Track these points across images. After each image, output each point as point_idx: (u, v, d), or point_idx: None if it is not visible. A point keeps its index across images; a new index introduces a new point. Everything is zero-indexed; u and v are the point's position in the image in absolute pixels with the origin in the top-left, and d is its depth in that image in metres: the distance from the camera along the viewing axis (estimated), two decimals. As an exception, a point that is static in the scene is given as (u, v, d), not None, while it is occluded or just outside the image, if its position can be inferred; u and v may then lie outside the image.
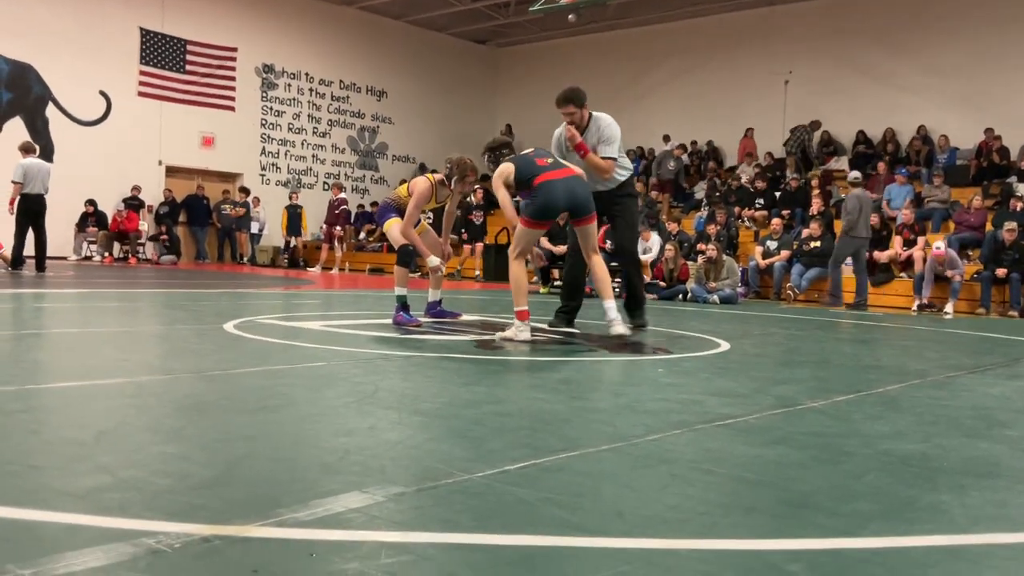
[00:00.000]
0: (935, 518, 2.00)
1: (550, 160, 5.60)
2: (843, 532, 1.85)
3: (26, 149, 12.21)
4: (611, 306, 5.57)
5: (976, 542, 1.84)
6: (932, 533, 1.88)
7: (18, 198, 11.86)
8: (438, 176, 6.33)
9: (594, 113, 6.26)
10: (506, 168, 5.58)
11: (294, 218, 19.10)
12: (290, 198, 19.49)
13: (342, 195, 18.26)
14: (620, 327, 5.51)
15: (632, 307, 6.60)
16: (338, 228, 17.91)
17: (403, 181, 7.30)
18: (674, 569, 1.59)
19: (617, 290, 7.52)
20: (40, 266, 11.92)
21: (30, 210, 11.89)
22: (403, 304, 6.11)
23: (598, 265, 5.69)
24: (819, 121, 18.14)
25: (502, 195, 5.59)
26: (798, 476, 2.32)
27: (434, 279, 6.60)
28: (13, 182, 11.81)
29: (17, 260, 11.96)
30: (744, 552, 1.72)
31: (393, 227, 6.28)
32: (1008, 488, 2.29)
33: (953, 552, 1.77)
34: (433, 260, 6.22)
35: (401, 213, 6.28)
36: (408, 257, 6.26)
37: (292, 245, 19.64)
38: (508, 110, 24.16)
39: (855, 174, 12.70)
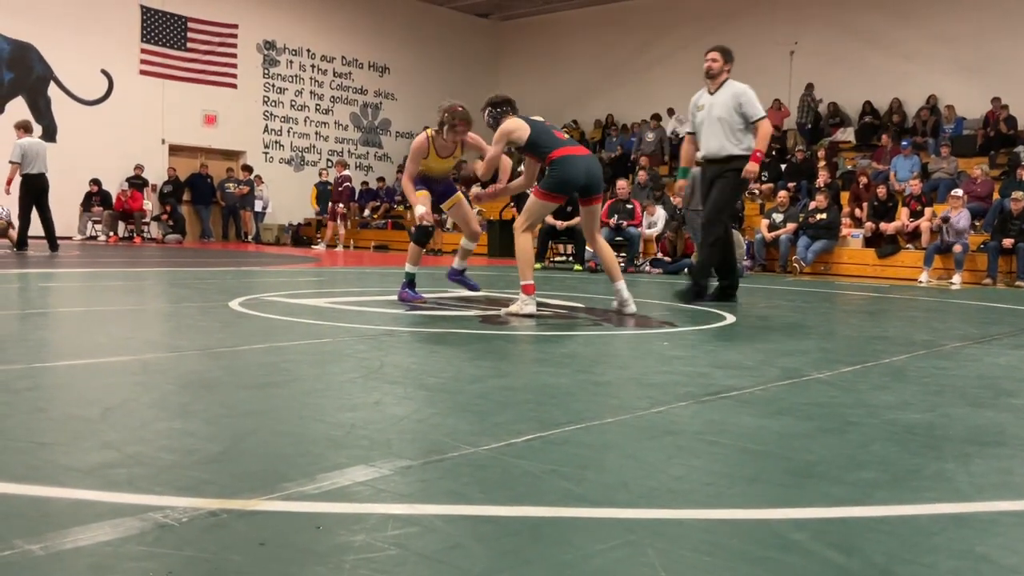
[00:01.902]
0: (940, 486, 2.00)
1: (566, 135, 5.57)
2: (849, 501, 1.86)
3: (24, 128, 11.98)
4: (622, 287, 5.57)
5: (981, 510, 1.84)
6: (937, 501, 1.88)
7: (19, 179, 11.75)
8: (434, 129, 6.07)
9: (731, 80, 6.58)
10: (518, 125, 5.41)
11: (324, 195, 19.09)
12: (320, 175, 19.57)
13: (345, 172, 18.18)
14: (632, 306, 5.54)
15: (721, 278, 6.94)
16: (341, 205, 17.82)
17: None
18: (679, 539, 1.60)
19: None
20: (52, 246, 11.85)
21: (32, 190, 11.78)
22: (410, 281, 6.04)
23: (604, 247, 5.69)
24: (812, 83, 18.05)
25: (497, 149, 5.45)
26: (803, 446, 2.32)
27: (462, 251, 6.25)
28: (11, 163, 11.68)
29: (22, 242, 11.93)
30: (749, 521, 1.72)
31: (420, 201, 5.99)
32: (1013, 456, 2.29)
33: (958, 520, 1.78)
34: (419, 208, 5.88)
35: (426, 183, 6.05)
36: (424, 236, 6.07)
37: (298, 223, 19.67)
38: (511, 84, 24.00)
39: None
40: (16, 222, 12.36)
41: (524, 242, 5.44)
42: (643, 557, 1.50)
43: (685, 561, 1.49)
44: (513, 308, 5.36)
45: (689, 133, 7.00)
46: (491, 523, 1.66)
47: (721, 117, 6.45)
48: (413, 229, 6.13)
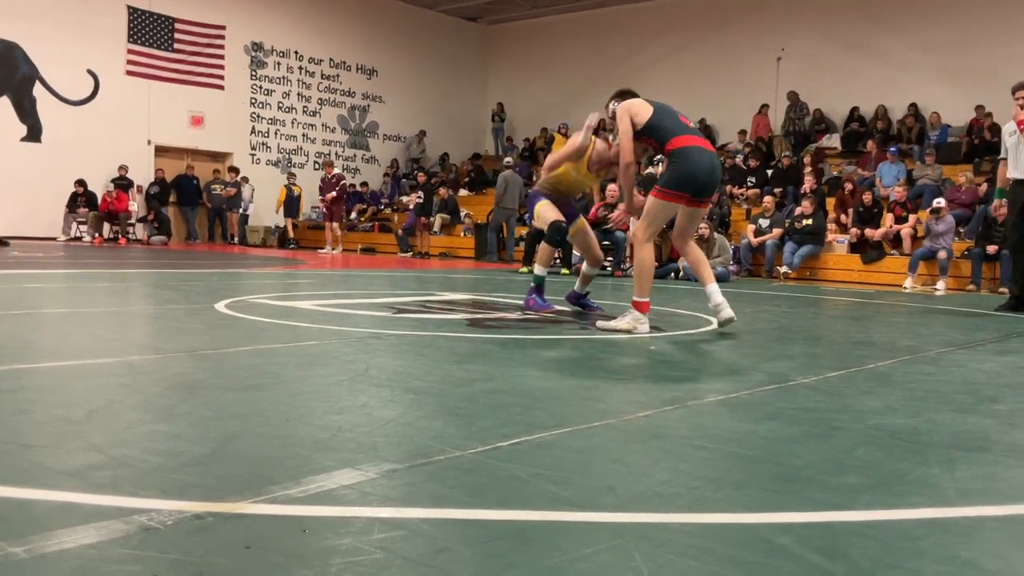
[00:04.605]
0: (925, 491, 2.01)
1: (692, 123, 5.03)
2: (834, 505, 1.86)
3: None
4: (714, 290, 5.03)
5: (965, 515, 1.85)
6: (922, 506, 1.89)
7: None
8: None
9: None
10: (640, 105, 4.91)
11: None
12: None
13: (336, 171, 17.86)
14: (728, 311, 4.99)
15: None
16: (343, 205, 17.28)
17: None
18: (666, 543, 1.60)
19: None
20: (2, 242, 11.74)
21: None
22: (539, 286, 5.54)
23: (694, 250, 5.19)
24: (795, 92, 18.16)
25: (624, 126, 4.86)
26: (789, 451, 2.33)
27: (583, 277, 5.86)
28: None
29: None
30: (735, 526, 1.73)
31: (544, 207, 5.55)
32: (997, 462, 2.31)
33: (942, 524, 1.79)
34: (546, 213, 5.43)
35: (550, 196, 5.57)
36: (559, 235, 5.47)
37: (283, 226, 19.53)
38: (500, 88, 24.06)
39: (507, 159, 17.02)
40: None
41: (646, 254, 4.92)
42: (630, 561, 1.50)
43: (672, 565, 1.49)
44: (620, 324, 4.82)
45: (1002, 158, 7.79)
46: (477, 527, 1.66)
47: None
48: (547, 227, 5.51)
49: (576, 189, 5.75)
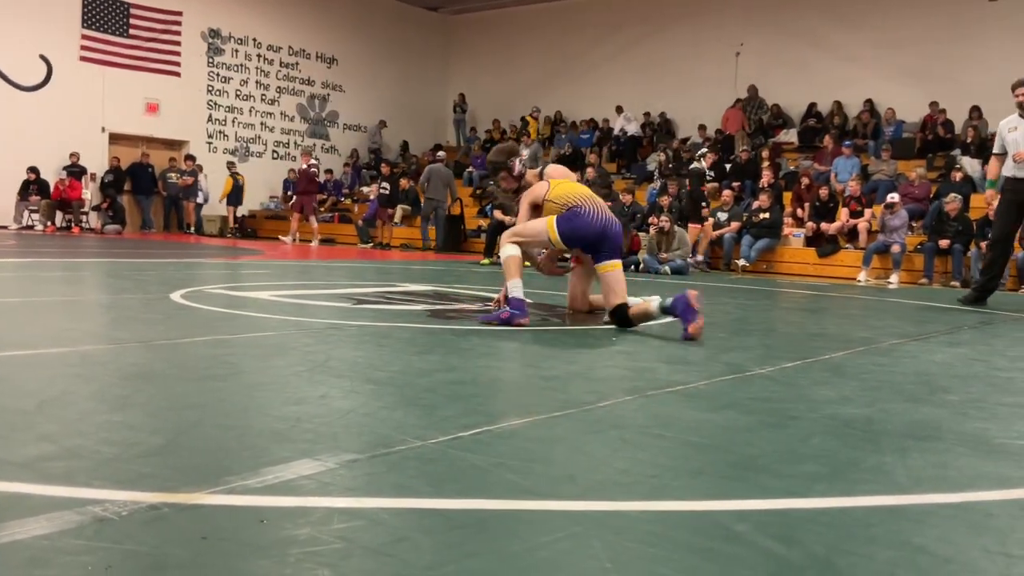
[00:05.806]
0: (878, 479, 2.05)
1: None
2: (789, 493, 1.89)
3: None
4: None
5: (917, 502, 1.88)
6: (875, 493, 1.93)
7: None
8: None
9: None
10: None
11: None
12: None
13: (312, 161, 17.35)
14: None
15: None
16: (320, 195, 16.83)
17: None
18: (624, 530, 1.61)
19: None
20: None
21: None
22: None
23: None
24: (755, 86, 18.30)
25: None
26: (746, 440, 2.35)
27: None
28: None
29: None
30: (693, 513, 1.75)
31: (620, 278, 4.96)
32: (948, 451, 2.35)
33: (895, 512, 1.82)
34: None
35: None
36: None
37: (243, 215, 19.29)
38: (461, 78, 23.97)
39: (440, 153, 17.52)
40: None
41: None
42: (589, 549, 1.51)
43: (630, 552, 1.50)
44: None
45: (997, 154, 7.74)
46: (438, 516, 1.66)
47: None
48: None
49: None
